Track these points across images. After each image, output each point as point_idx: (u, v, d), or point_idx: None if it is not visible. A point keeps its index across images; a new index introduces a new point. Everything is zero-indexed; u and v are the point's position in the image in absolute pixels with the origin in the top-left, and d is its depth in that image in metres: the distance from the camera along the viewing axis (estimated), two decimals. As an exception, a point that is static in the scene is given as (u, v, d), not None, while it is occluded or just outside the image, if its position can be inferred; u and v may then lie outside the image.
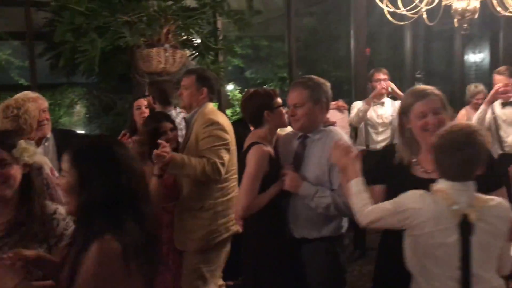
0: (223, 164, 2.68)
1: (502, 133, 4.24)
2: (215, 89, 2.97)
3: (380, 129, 4.53)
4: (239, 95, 6.95)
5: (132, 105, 3.62)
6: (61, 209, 1.75)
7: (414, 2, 3.34)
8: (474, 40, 8.81)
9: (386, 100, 4.58)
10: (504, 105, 4.25)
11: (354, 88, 6.46)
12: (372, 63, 7.41)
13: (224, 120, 2.85)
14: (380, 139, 4.53)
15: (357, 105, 4.54)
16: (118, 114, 5.44)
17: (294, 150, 2.43)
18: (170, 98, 3.39)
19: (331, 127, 2.43)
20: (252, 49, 8.43)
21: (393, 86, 4.47)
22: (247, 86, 8.27)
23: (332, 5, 8.05)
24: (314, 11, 8.34)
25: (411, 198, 1.75)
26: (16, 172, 1.68)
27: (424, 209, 1.70)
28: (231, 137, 2.82)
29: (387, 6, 3.41)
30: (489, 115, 4.26)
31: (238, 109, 6.80)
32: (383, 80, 4.44)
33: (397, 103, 4.52)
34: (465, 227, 1.64)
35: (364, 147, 4.47)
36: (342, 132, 2.42)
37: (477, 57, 9.15)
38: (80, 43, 3.65)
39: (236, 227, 2.78)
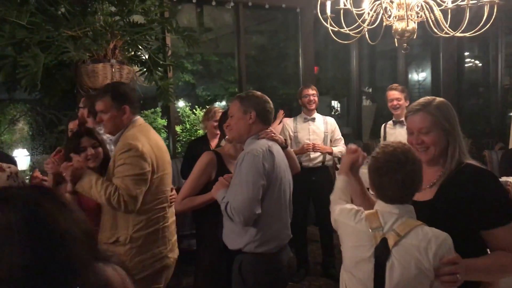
0: (132, 197, 2.34)
1: None
2: (136, 101, 2.66)
3: None
4: (189, 112, 6.92)
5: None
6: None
7: (357, 22, 3.46)
8: (417, 60, 9.22)
9: (317, 116, 4.60)
10: (395, 123, 4.36)
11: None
12: (320, 81, 7.61)
13: (147, 143, 2.48)
14: (313, 156, 4.47)
15: (289, 123, 4.63)
16: (62, 132, 5.26)
17: None
18: None
19: (261, 140, 2.39)
20: (203, 65, 8.46)
21: (321, 146, 4.43)
22: (198, 102, 8.26)
23: (280, 24, 8.24)
24: (263, 29, 8.49)
25: (344, 211, 1.75)
26: None
27: (349, 225, 1.68)
28: (158, 162, 2.50)
29: (331, 25, 3.51)
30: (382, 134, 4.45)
31: (188, 126, 6.76)
32: (311, 95, 4.50)
33: (329, 118, 4.64)
34: (382, 251, 1.55)
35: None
36: (265, 145, 2.35)
37: (419, 76, 9.58)
38: (22, 58, 3.53)
39: (165, 262, 2.53)
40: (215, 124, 3.95)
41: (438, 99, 1.80)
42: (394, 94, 4.26)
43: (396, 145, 1.64)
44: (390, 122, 4.41)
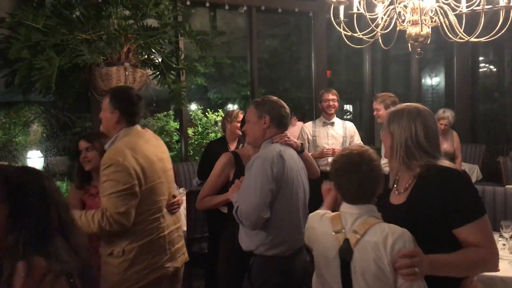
0: (122, 213, 2.27)
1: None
2: (134, 110, 2.48)
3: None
4: (201, 115, 6.94)
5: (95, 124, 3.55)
6: None
7: (370, 26, 3.44)
8: (430, 64, 9.15)
9: (336, 120, 4.55)
10: None
11: (315, 109, 6.58)
12: (332, 84, 7.59)
13: (131, 155, 2.33)
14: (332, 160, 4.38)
15: (307, 126, 4.59)
16: (76, 134, 5.32)
17: None
18: None
19: (274, 144, 2.42)
20: (215, 68, 8.49)
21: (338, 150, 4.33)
22: (210, 105, 8.29)
23: (293, 28, 8.24)
24: (276, 33, 8.50)
25: (312, 217, 1.85)
26: None
27: (317, 229, 1.77)
28: (146, 173, 2.37)
29: (344, 30, 3.50)
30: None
31: (200, 129, 6.78)
32: (331, 100, 4.47)
33: (348, 123, 4.60)
34: (345, 251, 1.61)
35: None
36: (275, 149, 2.36)
37: (433, 80, 9.50)
38: (37, 60, 3.57)
39: (161, 272, 2.44)
40: (238, 125, 3.94)
41: (409, 107, 1.79)
42: (374, 104, 4.26)
43: (354, 148, 1.75)
44: None
